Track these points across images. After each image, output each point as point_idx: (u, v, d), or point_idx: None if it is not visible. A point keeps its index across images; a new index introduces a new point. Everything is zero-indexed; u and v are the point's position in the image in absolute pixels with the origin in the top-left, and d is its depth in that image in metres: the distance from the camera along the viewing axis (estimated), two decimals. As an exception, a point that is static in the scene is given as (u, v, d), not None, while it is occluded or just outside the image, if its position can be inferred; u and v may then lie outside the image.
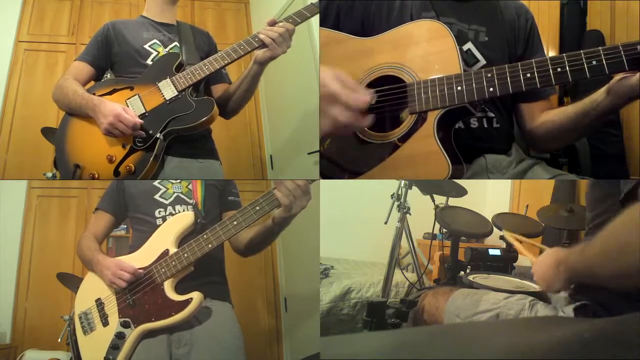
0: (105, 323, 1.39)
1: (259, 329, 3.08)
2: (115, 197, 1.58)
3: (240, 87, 1.60)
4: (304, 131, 2.71)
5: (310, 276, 2.66)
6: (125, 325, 1.36)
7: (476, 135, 1.35)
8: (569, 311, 1.04)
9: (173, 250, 1.39)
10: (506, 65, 1.14)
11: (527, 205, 2.62)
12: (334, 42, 1.34)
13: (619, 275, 0.78)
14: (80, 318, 1.45)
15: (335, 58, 1.32)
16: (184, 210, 1.49)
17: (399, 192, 2.38)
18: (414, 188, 2.40)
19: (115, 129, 1.39)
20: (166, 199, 1.51)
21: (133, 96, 1.47)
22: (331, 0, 1.40)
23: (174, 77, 1.48)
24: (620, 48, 1.03)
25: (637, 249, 0.73)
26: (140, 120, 1.40)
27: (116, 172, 1.41)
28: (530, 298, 1.18)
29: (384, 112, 1.23)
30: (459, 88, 1.17)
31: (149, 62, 1.58)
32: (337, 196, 2.75)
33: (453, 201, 2.56)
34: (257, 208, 1.31)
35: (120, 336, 1.35)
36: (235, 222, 1.32)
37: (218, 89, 1.70)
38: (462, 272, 1.98)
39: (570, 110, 1.30)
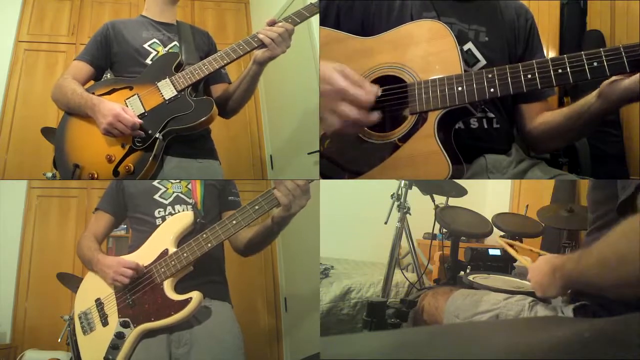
0: (105, 323, 1.39)
1: (258, 328, 3.08)
2: (114, 197, 1.58)
3: (240, 87, 1.60)
4: (304, 131, 2.71)
5: (310, 276, 2.65)
6: (124, 325, 1.36)
7: (476, 136, 1.35)
8: (568, 311, 1.04)
9: (172, 249, 1.38)
10: (507, 66, 1.14)
11: (527, 205, 2.62)
12: (334, 41, 1.34)
13: (619, 284, 0.79)
14: (80, 318, 1.45)
15: (336, 57, 1.31)
16: (183, 210, 1.49)
17: (399, 192, 2.38)
18: (414, 188, 2.40)
19: (115, 129, 1.38)
20: (166, 199, 1.51)
21: (132, 96, 1.47)
22: (331, 0, 1.40)
23: (173, 77, 1.47)
24: (622, 49, 1.03)
25: (637, 258, 0.73)
26: (140, 120, 1.40)
27: (115, 172, 1.41)
28: (530, 299, 1.18)
29: (385, 112, 1.23)
30: (460, 88, 1.16)
31: (148, 61, 1.58)
32: (337, 196, 2.75)
33: (453, 201, 2.56)
34: (257, 207, 1.31)
35: (119, 336, 1.35)
36: (234, 222, 1.32)
37: (217, 89, 1.70)
38: (462, 272, 1.99)
39: (565, 111, 1.31)
